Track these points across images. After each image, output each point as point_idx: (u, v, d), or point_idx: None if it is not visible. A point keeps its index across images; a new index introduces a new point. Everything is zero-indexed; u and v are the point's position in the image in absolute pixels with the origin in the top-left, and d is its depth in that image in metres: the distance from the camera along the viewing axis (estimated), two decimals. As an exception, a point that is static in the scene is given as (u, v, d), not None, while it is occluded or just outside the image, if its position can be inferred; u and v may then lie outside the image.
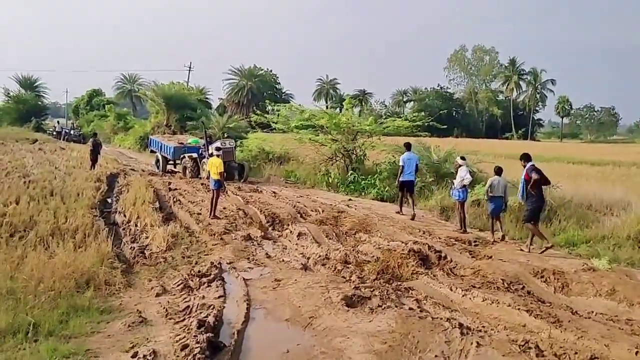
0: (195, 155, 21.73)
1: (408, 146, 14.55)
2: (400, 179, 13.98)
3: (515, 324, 6.51)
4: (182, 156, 22.63)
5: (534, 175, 9.93)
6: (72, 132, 48.93)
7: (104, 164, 23.59)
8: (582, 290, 7.99)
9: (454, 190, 12.06)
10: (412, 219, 13.38)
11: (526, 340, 5.61)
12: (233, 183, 19.69)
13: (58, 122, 61.32)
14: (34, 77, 77.53)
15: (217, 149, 14.12)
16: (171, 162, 23.86)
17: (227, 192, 16.91)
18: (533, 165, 10.26)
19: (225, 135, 26.00)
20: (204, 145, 21.58)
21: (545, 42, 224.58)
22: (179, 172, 23.06)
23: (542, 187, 10.34)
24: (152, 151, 26.51)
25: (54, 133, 50.94)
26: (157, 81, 44.11)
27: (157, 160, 24.56)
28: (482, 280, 8.22)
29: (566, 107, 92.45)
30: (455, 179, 12.20)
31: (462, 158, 12.50)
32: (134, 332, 5.81)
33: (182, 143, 24.09)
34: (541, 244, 10.25)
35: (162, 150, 24.14)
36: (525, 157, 10.48)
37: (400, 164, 13.97)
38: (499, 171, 11.40)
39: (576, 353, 5.36)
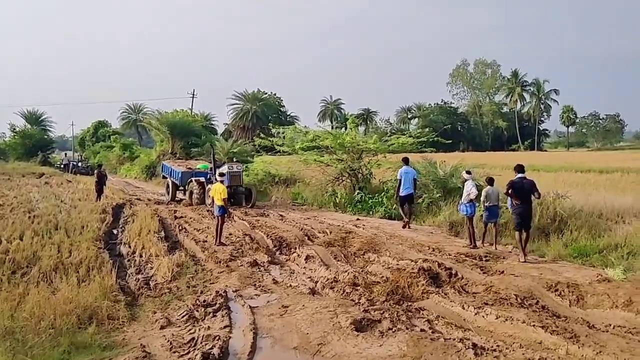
0: (202, 179, 21.21)
1: (406, 160, 15.05)
2: (400, 194, 14.53)
3: (530, 342, 6.29)
4: (189, 181, 22.17)
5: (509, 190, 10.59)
6: (79, 164, 49.29)
7: (110, 194, 23.58)
8: (597, 302, 7.76)
9: (462, 205, 11.90)
10: (404, 227, 14.32)
11: (543, 358, 5.41)
12: (240, 208, 19.63)
13: (65, 154, 61.81)
14: (40, 111, 78.39)
15: (221, 174, 13.96)
16: (180, 188, 23.46)
17: (233, 217, 16.80)
18: (520, 177, 10.65)
19: (234, 160, 25.74)
20: (211, 169, 21.18)
21: (546, 52, 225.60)
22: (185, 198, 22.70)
23: (531, 195, 10.63)
24: (163, 177, 26.35)
25: (62, 166, 51.29)
26: (161, 110, 44.54)
27: (168, 186, 24.29)
28: (494, 297, 8.00)
29: (571, 116, 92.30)
30: (462, 193, 12.08)
31: (468, 172, 12.35)
32: (138, 368, 5.64)
33: (190, 168, 23.90)
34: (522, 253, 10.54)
35: (172, 175, 23.92)
36: (518, 168, 10.79)
37: (398, 177, 14.56)
38: (490, 181, 11.78)
39: (597, 370, 5.13)
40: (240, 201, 20.76)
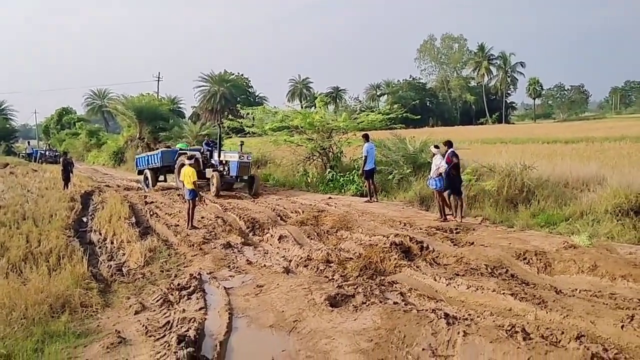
0: (197, 154, 18.73)
1: (367, 137, 15.75)
2: (365, 168, 15.28)
3: (501, 309, 6.47)
4: (177, 154, 20.12)
5: (455, 159, 11.64)
6: (47, 152, 48.06)
7: (78, 182, 23.13)
8: (564, 268, 8.00)
9: (431, 180, 12.01)
10: (369, 201, 15.15)
11: (512, 324, 5.54)
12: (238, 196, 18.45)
13: (29, 143, 60.25)
14: (0, 100, 76.09)
15: (190, 157, 13.71)
16: (161, 176, 22.25)
17: (204, 200, 16.68)
18: (453, 150, 11.90)
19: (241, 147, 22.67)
20: (209, 144, 20.36)
21: (511, 25, 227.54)
22: (173, 185, 20.88)
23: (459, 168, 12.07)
24: (139, 172, 23.85)
25: (26, 155, 49.96)
26: (127, 94, 43.56)
27: (146, 179, 22.26)
28: (465, 268, 8.18)
29: (537, 88, 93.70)
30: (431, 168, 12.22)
31: (436, 146, 12.47)
32: (113, 354, 5.61)
33: (169, 146, 23.10)
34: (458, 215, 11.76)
35: (150, 162, 22.33)
36: (448, 144, 12.21)
37: (364, 154, 15.21)
38: (451, 144, 12.20)
39: (562, 332, 5.30)
40: (231, 186, 19.32)
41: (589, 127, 47.23)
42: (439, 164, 11.69)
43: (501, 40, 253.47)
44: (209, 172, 19.18)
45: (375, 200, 15.40)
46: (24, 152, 54.41)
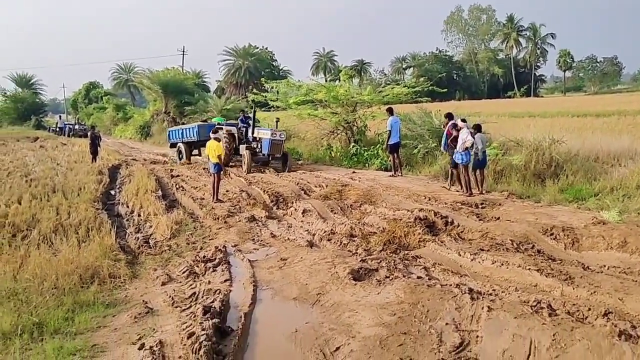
0: (233, 129, 19.07)
1: (391, 110, 15.56)
2: (390, 142, 15.17)
3: (526, 285, 6.40)
4: (213, 130, 19.58)
5: (454, 132, 12.02)
6: (76, 127, 48.73)
7: (105, 156, 23.53)
8: (592, 244, 7.86)
9: (457, 154, 11.85)
10: (393, 176, 15.18)
11: (538, 300, 5.48)
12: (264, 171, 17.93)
13: (60, 117, 61.06)
14: (30, 74, 77.34)
15: (214, 131, 13.70)
16: (195, 150, 21.98)
17: (229, 174, 16.79)
18: (454, 122, 12.30)
19: (276, 123, 20.76)
20: (243, 119, 19.81)
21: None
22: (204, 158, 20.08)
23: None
24: (172, 145, 23.72)
25: (57, 129, 50.66)
26: (152, 69, 43.79)
27: (180, 152, 22.15)
28: (490, 243, 8.09)
29: (568, 60, 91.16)
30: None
31: (463, 120, 12.27)
32: (141, 324, 5.74)
33: (205, 121, 22.55)
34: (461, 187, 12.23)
35: (185, 135, 21.89)
36: (448, 116, 13.03)
37: (388, 128, 15.10)
38: (480, 128, 12.17)
39: (590, 309, 5.23)
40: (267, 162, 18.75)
41: (621, 100, 45.83)
42: (465, 138, 11.52)
43: (531, 11, 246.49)
44: (241, 149, 18.60)
45: (400, 174, 15.31)
46: (53, 126, 55.30)
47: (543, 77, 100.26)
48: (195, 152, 22.26)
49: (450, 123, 12.46)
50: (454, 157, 12.25)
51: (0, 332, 5.38)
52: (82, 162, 21.24)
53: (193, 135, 21.25)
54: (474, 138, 11.56)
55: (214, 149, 12.72)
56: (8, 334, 5.37)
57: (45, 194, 12.97)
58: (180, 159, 21.93)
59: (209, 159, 13.44)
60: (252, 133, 18.49)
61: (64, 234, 9.32)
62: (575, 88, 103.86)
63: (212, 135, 13.22)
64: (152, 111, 41.39)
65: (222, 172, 13.15)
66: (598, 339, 4.54)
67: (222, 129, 18.14)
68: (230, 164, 19.08)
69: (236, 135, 18.94)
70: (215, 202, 12.37)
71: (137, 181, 15.01)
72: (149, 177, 15.89)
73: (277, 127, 18.87)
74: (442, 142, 12.85)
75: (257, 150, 18.21)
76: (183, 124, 36.00)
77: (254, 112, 19.33)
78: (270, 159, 18.35)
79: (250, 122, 19.17)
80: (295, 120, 22.71)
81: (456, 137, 11.92)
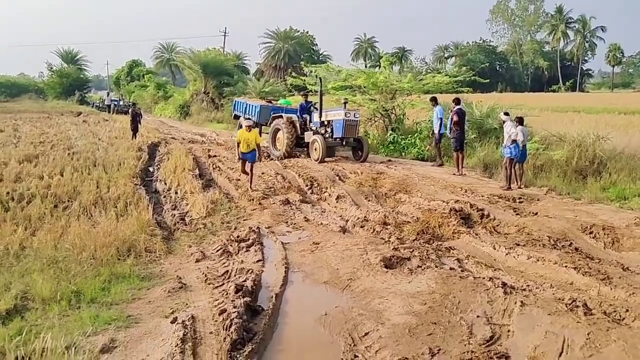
0: (294, 117, 17.21)
1: (435, 100, 15.27)
2: (439, 132, 14.87)
3: (562, 282, 6.27)
4: (272, 118, 17.73)
5: (455, 117, 13.19)
6: (121, 103, 49.52)
7: (145, 133, 23.94)
8: (634, 245, 7.62)
9: (505, 149, 11.46)
10: (440, 165, 15.11)
11: (573, 298, 5.36)
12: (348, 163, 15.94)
13: (108, 94, 61.70)
14: (75, 50, 79.13)
15: (247, 118, 12.54)
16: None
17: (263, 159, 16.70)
18: (460, 108, 13.47)
19: (345, 104, 17.40)
20: (309, 105, 17.47)
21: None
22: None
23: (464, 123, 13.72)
24: (235, 116, 22.65)
25: (103, 106, 51.20)
26: (194, 49, 44.18)
27: (240, 126, 20.10)
28: (526, 238, 7.94)
29: (617, 55, 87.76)
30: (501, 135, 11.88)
31: (506, 113, 11.97)
32: (174, 298, 5.86)
33: (270, 101, 21.31)
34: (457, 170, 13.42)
35: (247, 112, 20.24)
36: (456, 100, 13.68)
37: (439, 116, 14.72)
38: (522, 121, 11.82)
39: (627, 310, 5.10)
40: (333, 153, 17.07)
41: (672, 98, 44.10)
42: (510, 131, 11.23)
43: (581, 3, 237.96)
44: (307, 136, 16.69)
45: (441, 164, 15.14)
46: (97, 101, 56.32)
47: (590, 72, 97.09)
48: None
49: (456, 108, 13.38)
50: (502, 151, 11.94)
51: (41, 297, 5.57)
52: (123, 138, 21.69)
53: (254, 114, 19.54)
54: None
55: (244, 139, 11.80)
56: (47, 300, 5.55)
57: (87, 168, 13.33)
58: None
59: (238, 147, 12.02)
60: (320, 117, 16.32)
61: (103, 207, 9.57)
62: (623, 84, 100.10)
63: (244, 124, 11.89)
64: (192, 91, 41.85)
65: (252, 163, 12.10)
66: (635, 341, 4.43)
67: (281, 116, 17.00)
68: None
69: (297, 123, 17.01)
70: (252, 191, 11.65)
71: (175, 159, 15.26)
72: (187, 156, 16.13)
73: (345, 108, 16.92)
74: (449, 126, 13.74)
75: (327, 135, 16.13)
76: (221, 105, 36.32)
77: (321, 93, 16.76)
78: (343, 144, 16.45)
79: (313, 109, 17.23)
80: (333, 105, 22.61)
81: (457, 122, 13.16)
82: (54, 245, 7.16)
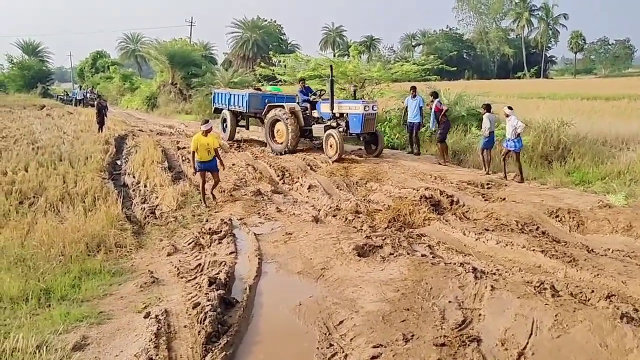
0: (295, 106, 15.53)
1: (414, 89, 15.18)
2: (412, 120, 15.03)
3: (530, 266, 6.44)
4: (267, 107, 16.05)
5: (444, 107, 13.59)
6: (88, 95, 48.15)
7: (112, 126, 23.48)
8: (598, 227, 7.87)
9: (509, 142, 11.24)
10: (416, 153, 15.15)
11: (541, 281, 5.52)
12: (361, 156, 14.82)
13: (80, 87, 59.46)
14: (36, 42, 76.87)
15: (205, 121, 10.15)
16: (243, 121, 18.81)
17: (241, 147, 16.58)
18: (439, 100, 13.94)
19: (354, 91, 17.03)
20: (303, 95, 15.87)
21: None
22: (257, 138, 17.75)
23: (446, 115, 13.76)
24: (216, 110, 20.21)
25: (68, 99, 49.64)
26: (160, 39, 43.35)
27: (224, 120, 19.01)
28: (495, 223, 8.11)
29: (579, 42, 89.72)
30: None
31: (510, 108, 11.76)
32: (146, 293, 5.81)
33: (259, 89, 19.41)
34: (443, 160, 13.59)
35: (232, 103, 18.32)
36: (434, 94, 14.23)
37: (420, 105, 14.79)
38: (489, 108, 12.12)
39: (593, 291, 5.27)
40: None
41: (632, 83, 45.20)
42: (515, 125, 11.06)
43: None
44: (316, 129, 15.01)
45: (418, 153, 15.14)
46: (61, 94, 54.84)
47: (554, 59, 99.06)
48: (243, 122, 19.09)
49: (436, 101, 13.80)
50: (504, 144, 11.74)
51: (9, 297, 5.46)
52: (89, 131, 21.23)
53: (242, 104, 17.71)
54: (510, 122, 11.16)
55: (212, 143, 10.06)
56: (16, 299, 5.45)
57: (52, 162, 13.04)
58: (223, 131, 19.07)
59: (194, 158, 10.14)
60: (332, 109, 14.53)
61: (71, 203, 9.39)
62: (585, 70, 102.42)
63: (202, 128, 10.00)
64: (159, 82, 41.15)
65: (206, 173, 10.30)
66: (600, 321, 4.58)
67: (282, 106, 15.44)
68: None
69: (300, 114, 15.35)
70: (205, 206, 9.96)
71: (144, 152, 15.04)
72: (155, 148, 15.91)
73: (355, 98, 15.84)
74: (431, 119, 13.99)
75: (341, 130, 14.30)
76: (190, 96, 35.80)
77: (332, 82, 14.71)
78: (360, 138, 15.22)
79: (311, 95, 15.84)
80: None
81: (444, 112, 13.51)
82: (21, 243, 7.02)
